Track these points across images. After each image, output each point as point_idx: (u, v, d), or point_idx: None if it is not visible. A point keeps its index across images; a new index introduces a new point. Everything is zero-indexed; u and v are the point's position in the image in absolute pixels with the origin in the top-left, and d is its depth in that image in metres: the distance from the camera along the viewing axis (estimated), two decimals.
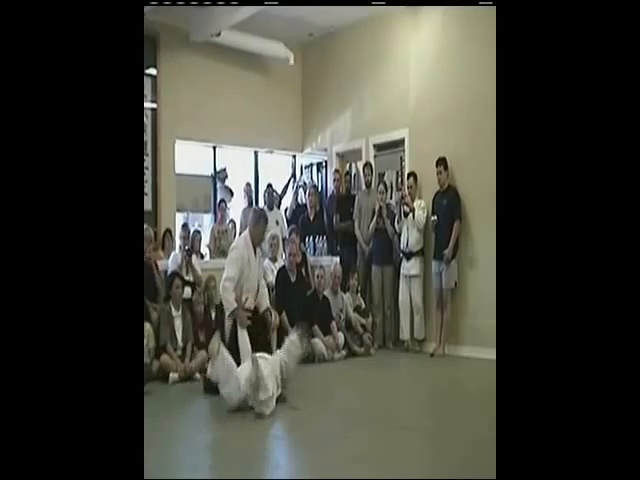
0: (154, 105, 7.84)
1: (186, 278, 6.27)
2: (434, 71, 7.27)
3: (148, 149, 7.72)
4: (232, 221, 8.16)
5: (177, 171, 8.04)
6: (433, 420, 4.44)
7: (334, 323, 6.76)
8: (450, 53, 7.09)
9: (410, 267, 7.07)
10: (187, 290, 6.16)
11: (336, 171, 8.40)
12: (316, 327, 6.58)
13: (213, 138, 8.36)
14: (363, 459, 3.43)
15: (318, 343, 6.51)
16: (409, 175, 7.26)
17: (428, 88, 7.33)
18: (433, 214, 6.95)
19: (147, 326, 5.54)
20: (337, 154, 8.82)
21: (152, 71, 7.82)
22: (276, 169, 9.31)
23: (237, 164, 8.88)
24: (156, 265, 6.27)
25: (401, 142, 7.74)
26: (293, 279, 6.78)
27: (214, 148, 8.51)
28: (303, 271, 7.06)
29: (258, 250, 5.20)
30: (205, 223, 8.71)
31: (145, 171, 7.53)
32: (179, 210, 8.21)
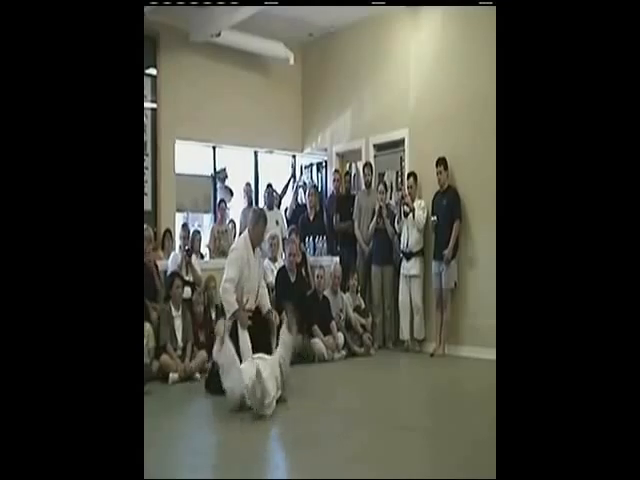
0: (154, 105, 7.84)
1: (186, 278, 6.27)
2: (434, 71, 7.27)
3: (148, 149, 7.72)
4: (232, 221, 8.16)
5: (177, 171, 8.04)
6: (433, 420, 4.44)
7: (334, 323, 6.76)
8: (450, 53, 7.09)
9: (410, 267, 7.07)
10: (187, 290, 6.16)
11: (336, 171, 8.40)
12: (316, 327, 6.58)
13: (213, 138, 8.36)
14: (363, 459, 3.43)
15: (318, 343, 6.52)
16: (409, 175, 7.26)
17: (428, 88, 7.33)
18: (433, 214, 6.95)
19: (147, 326, 5.54)
20: (337, 154, 8.82)
21: (152, 71, 7.82)
22: (276, 169, 9.31)
23: (237, 164, 8.88)
24: (156, 265, 6.27)
25: (401, 142, 7.74)
26: (293, 279, 6.78)
27: (214, 148, 8.51)
28: (303, 271, 7.06)
29: (258, 250, 5.20)
30: (205, 223, 8.71)
31: (145, 171, 7.53)
32: (179, 210, 8.21)
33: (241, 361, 4.46)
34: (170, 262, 6.50)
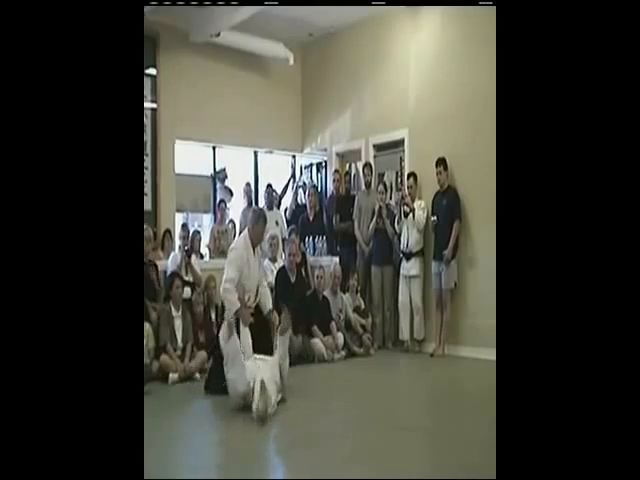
0: (154, 105, 7.84)
1: (186, 278, 6.27)
2: (434, 71, 7.27)
3: (148, 149, 7.72)
4: (232, 221, 8.16)
5: (177, 171, 8.05)
6: (433, 420, 4.44)
7: (334, 323, 6.76)
8: (450, 53, 7.09)
9: (410, 267, 7.07)
10: (187, 290, 6.16)
11: (336, 171, 8.40)
12: (316, 327, 6.58)
13: (213, 138, 8.36)
14: (363, 459, 3.43)
15: (318, 343, 6.52)
16: (409, 175, 7.26)
17: (428, 88, 7.33)
18: (433, 214, 6.95)
19: (147, 326, 5.54)
20: (337, 154, 8.82)
21: (152, 71, 7.83)
22: (276, 169, 9.31)
23: (237, 164, 8.89)
24: (156, 265, 6.27)
25: (401, 142, 7.74)
26: (293, 279, 6.77)
27: (214, 148, 8.51)
28: (303, 271, 7.06)
29: (258, 250, 5.20)
30: (205, 223, 8.71)
31: (145, 171, 7.53)
32: (179, 210, 8.21)
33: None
34: (170, 262, 6.50)
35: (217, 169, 8.56)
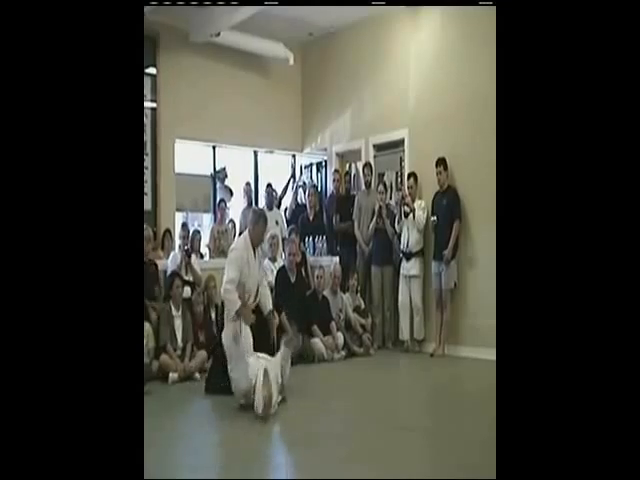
0: (154, 105, 7.84)
1: (186, 278, 6.27)
2: (434, 71, 7.27)
3: (148, 149, 7.72)
4: (232, 221, 8.16)
5: (177, 171, 8.05)
6: (433, 420, 4.44)
7: (333, 323, 6.76)
8: (450, 53, 7.09)
9: (410, 267, 7.07)
10: (187, 290, 6.16)
11: (336, 171, 8.40)
12: (315, 327, 6.58)
13: (213, 138, 8.36)
14: (363, 459, 3.43)
15: (317, 343, 6.52)
16: (409, 175, 7.26)
17: (428, 88, 7.33)
18: (433, 214, 6.94)
19: (147, 326, 5.54)
20: (337, 154, 8.82)
21: (152, 71, 7.83)
22: (276, 169, 9.31)
23: (237, 164, 8.88)
24: (155, 265, 6.26)
25: (401, 142, 7.73)
26: (293, 279, 6.77)
27: (214, 148, 8.51)
28: (303, 271, 7.05)
29: (258, 250, 5.20)
30: (205, 223, 8.71)
31: (145, 171, 7.53)
32: (179, 210, 8.21)
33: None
34: (170, 262, 6.50)
35: (217, 169, 8.56)
